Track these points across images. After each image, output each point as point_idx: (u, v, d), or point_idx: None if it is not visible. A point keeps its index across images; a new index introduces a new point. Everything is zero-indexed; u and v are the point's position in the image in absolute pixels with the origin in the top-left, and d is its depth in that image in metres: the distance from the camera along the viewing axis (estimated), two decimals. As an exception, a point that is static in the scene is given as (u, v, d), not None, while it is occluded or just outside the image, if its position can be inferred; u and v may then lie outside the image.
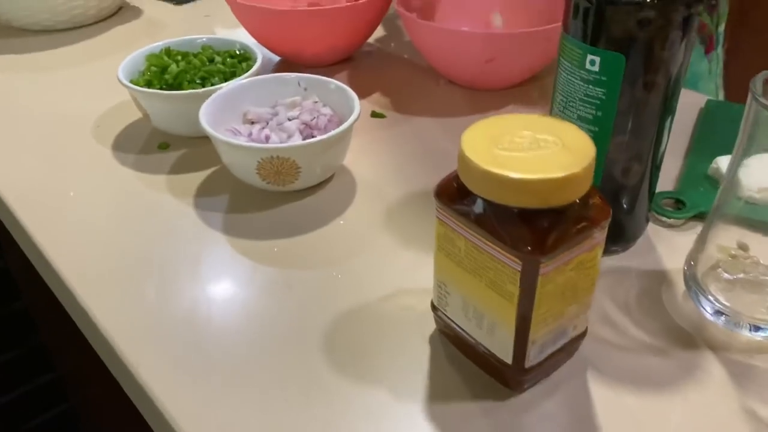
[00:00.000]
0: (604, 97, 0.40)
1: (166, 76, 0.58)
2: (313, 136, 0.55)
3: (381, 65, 0.74)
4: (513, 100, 0.66)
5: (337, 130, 0.50)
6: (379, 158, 0.58)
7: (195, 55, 0.62)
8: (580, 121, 0.42)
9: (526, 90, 0.67)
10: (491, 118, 0.36)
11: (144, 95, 0.57)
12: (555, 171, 0.31)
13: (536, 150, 0.33)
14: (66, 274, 0.46)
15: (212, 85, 0.59)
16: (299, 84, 0.58)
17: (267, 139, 0.54)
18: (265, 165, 0.50)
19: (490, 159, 0.32)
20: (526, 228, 0.32)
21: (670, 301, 0.43)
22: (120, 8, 0.89)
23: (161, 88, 0.58)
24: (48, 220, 0.51)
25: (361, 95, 0.67)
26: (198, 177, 0.56)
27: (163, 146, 0.60)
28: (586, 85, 0.41)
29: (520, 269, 0.32)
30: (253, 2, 0.68)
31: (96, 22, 0.85)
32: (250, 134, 0.54)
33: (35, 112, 0.66)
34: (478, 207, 0.34)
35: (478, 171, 0.32)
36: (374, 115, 0.64)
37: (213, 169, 0.57)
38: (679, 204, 0.50)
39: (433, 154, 0.59)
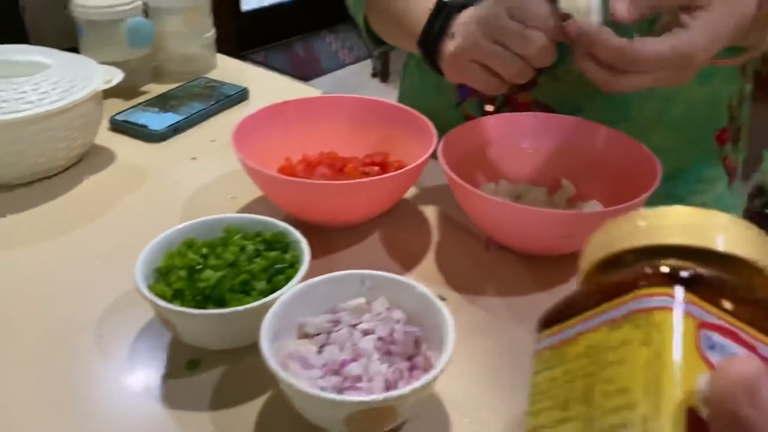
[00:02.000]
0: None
1: (201, 285, 0.47)
2: (389, 353, 0.46)
3: (416, 223, 0.65)
4: (571, 269, 0.59)
5: (444, 361, 0.41)
6: (458, 364, 0.49)
7: (224, 245, 0.52)
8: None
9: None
10: None
11: (180, 315, 0.46)
12: None
13: None
14: None
15: (257, 291, 0.48)
16: (363, 282, 0.49)
17: (343, 366, 0.44)
18: (357, 416, 0.40)
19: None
20: None
21: None
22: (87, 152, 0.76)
23: (194, 299, 0.47)
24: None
25: (404, 264, 0.59)
26: (249, 412, 0.45)
27: (193, 365, 0.49)
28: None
29: None
30: (282, 176, 0.59)
31: (60, 172, 0.73)
32: (325, 364, 0.44)
33: (8, 313, 0.53)
34: None
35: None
36: (433, 298, 0.56)
37: (266, 396, 0.46)
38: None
39: (521, 354, 0.50)
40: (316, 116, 0.69)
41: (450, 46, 0.57)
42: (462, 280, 0.58)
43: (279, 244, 0.52)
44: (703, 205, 0.74)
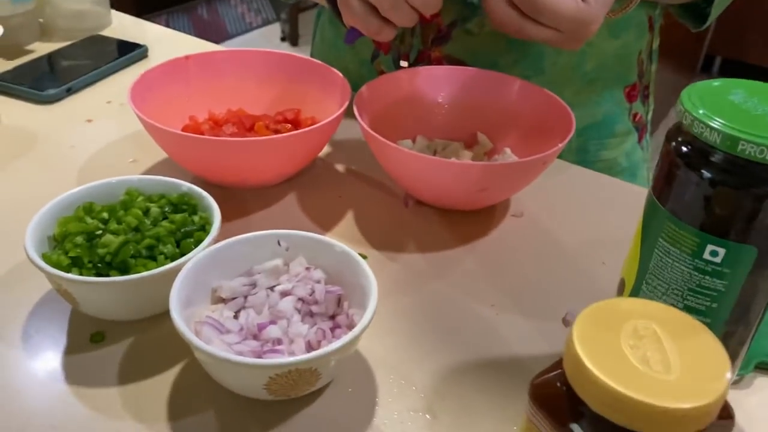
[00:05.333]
0: (723, 289, 0.35)
1: (101, 251, 0.44)
2: (311, 314, 0.44)
3: (332, 182, 0.63)
4: (493, 223, 0.59)
5: (366, 320, 0.40)
6: (382, 321, 0.48)
7: (124, 208, 0.48)
8: (688, 311, 0.36)
9: (501, 210, 0.61)
10: (598, 308, 0.30)
11: (79, 285, 0.42)
12: (696, 395, 0.26)
13: (663, 356, 0.28)
14: None
15: (163, 255, 0.45)
16: (279, 243, 0.46)
17: (262, 330, 0.42)
18: (278, 380, 0.38)
19: (617, 372, 0.27)
20: None
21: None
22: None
23: (95, 267, 0.44)
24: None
25: (323, 225, 0.57)
26: (161, 384, 0.42)
27: (98, 338, 0.45)
28: (701, 276, 0.35)
29: None
30: (187, 133, 0.55)
31: (-64, 137, 0.66)
32: (242, 329, 0.42)
33: None
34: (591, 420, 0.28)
35: (603, 390, 0.27)
36: (352, 257, 0.54)
37: (179, 367, 0.44)
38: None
39: (443, 308, 0.50)
40: (221, 72, 0.65)
41: None
42: (381, 238, 0.57)
43: (186, 206, 0.49)
44: (614, 160, 0.77)
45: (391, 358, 0.45)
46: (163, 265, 0.44)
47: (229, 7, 3.69)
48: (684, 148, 0.34)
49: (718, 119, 0.32)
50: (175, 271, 0.42)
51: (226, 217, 0.57)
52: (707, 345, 0.29)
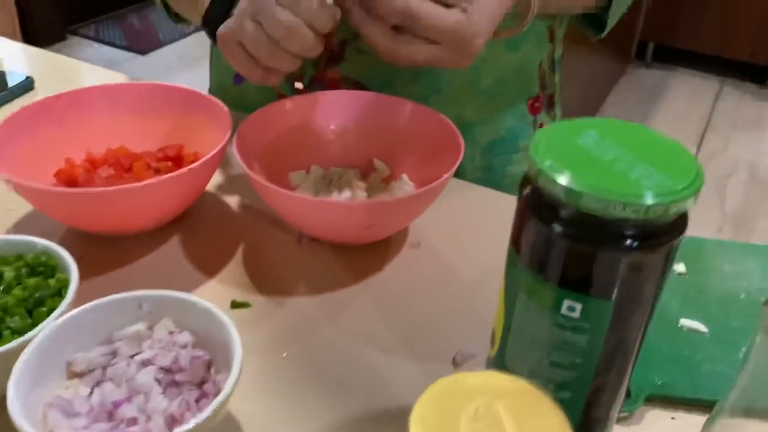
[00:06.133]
0: (585, 345, 0.33)
1: (-64, 329, 0.40)
2: (175, 383, 0.41)
3: (222, 219, 0.60)
4: (389, 256, 0.57)
5: (226, 392, 0.37)
6: (263, 380, 0.46)
7: (-28, 275, 0.44)
8: (554, 366, 0.34)
9: (398, 240, 0.59)
10: (443, 384, 0.29)
11: None
12: None
13: None
14: None
15: (11, 330, 0.41)
16: (141, 306, 0.43)
17: (117, 408, 0.38)
18: (128, 467, 0.35)
19: None
20: None
21: None
22: None
23: (-70, 348, 0.40)
24: None
25: (208, 270, 0.54)
26: (12, 472, 0.39)
27: (-56, 423, 0.41)
28: (561, 332, 0.33)
29: None
30: (45, 187, 0.51)
31: None
32: (91, 409, 0.38)
33: None
34: None
35: None
36: (235, 305, 0.51)
37: (33, 451, 0.40)
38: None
39: (330, 358, 0.47)
40: (98, 109, 0.61)
41: (223, 25, 0.52)
42: (271, 282, 0.54)
43: (43, 267, 0.45)
44: (522, 175, 0.75)
45: (270, 422, 0.43)
46: (8, 342, 0.40)
47: (161, 14, 3.58)
48: (535, 200, 0.32)
49: (563, 171, 0.30)
50: (22, 348, 0.39)
51: (101, 270, 0.54)
52: (551, 424, 0.27)
